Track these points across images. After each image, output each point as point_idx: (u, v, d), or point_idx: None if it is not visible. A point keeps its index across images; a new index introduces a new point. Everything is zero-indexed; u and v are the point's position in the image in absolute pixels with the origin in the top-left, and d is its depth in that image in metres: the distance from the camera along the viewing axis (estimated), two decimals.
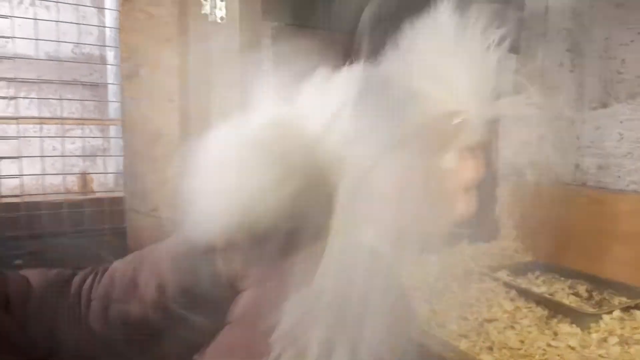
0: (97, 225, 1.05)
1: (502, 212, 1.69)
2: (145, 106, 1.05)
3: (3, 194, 1.03)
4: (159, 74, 1.04)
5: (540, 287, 1.30)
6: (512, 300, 1.22)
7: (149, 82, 1.03)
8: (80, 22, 1.44)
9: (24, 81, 1.53)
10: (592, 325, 1.07)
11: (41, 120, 1.46)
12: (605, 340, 1.02)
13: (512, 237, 1.65)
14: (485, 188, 1.76)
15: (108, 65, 1.63)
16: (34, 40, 1.40)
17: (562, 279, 1.35)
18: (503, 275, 1.35)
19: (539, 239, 1.56)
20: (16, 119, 1.33)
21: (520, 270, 1.40)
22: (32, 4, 1.43)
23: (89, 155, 1.52)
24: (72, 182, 1.30)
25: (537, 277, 1.37)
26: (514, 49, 1.65)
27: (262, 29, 1.21)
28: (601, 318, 1.08)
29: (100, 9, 1.54)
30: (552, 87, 1.57)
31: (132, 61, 1.02)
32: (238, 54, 1.15)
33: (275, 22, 1.24)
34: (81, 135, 1.62)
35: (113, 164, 1.52)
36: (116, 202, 1.06)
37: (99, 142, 1.70)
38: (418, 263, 1.35)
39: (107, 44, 1.59)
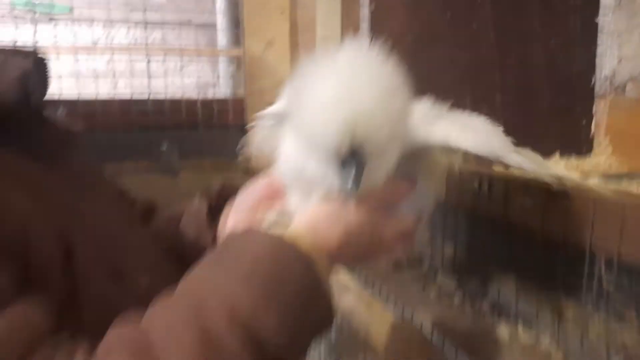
0: (223, 121, 1.26)
1: (598, 129, 1.67)
2: (261, 17, 1.22)
3: (152, 91, 1.27)
4: None
5: (632, 189, 1.30)
6: None
7: None
8: None
9: (148, 22, 1.76)
10: None
11: (166, 50, 1.70)
12: None
13: (608, 153, 1.63)
14: (580, 104, 1.74)
15: (217, 6, 1.83)
16: None
17: None
18: (594, 180, 1.37)
19: (637, 154, 1.52)
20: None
21: (613, 177, 1.40)
22: None
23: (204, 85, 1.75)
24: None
25: (630, 182, 1.37)
26: None
27: None
28: None
29: None
30: None
31: None
32: None
33: None
34: (195, 68, 1.86)
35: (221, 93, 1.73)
36: (238, 101, 1.26)
37: (208, 73, 1.93)
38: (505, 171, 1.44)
39: None
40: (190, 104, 1.24)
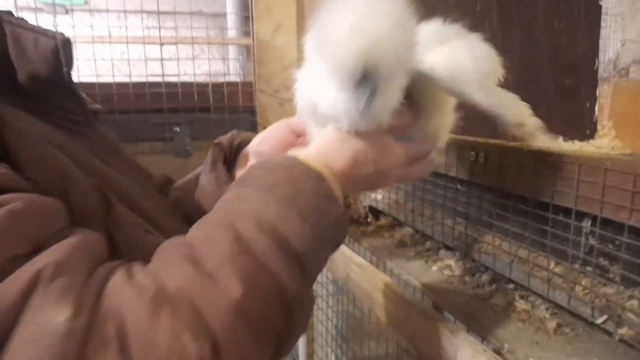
0: (234, 104, 1.31)
1: (602, 112, 1.69)
2: (269, 2, 1.26)
3: (165, 73, 1.32)
4: None
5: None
6: None
7: None
8: None
9: (161, 12, 1.82)
10: None
11: (178, 40, 1.75)
12: None
13: (611, 135, 1.65)
14: (584, 88, 1.75)
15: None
16: None
17: None
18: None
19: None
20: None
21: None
22: None
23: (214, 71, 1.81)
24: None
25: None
26: None
27: None
28: None
29: None
30: None
31: None
32: None
33: None
34: (206, 57, 1.91)
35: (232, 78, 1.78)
36: (247, 85, 1.31)
37: (219, 64, 1.98)
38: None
39: None
40: (202, 87, 1.30)
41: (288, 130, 0.86)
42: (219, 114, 1.26)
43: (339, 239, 0.64)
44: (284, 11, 1.23)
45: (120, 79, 1.50)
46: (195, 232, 0.57)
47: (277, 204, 0.56)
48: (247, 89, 1.27)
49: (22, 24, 0.59)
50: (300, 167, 0.63)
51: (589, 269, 0.66)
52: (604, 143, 1.72)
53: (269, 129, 0.88)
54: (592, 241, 0.67)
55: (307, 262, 0.56)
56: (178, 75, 1.37)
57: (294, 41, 1.25)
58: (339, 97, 0.62)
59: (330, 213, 0.60)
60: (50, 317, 0.37)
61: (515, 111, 0.78)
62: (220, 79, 1.77)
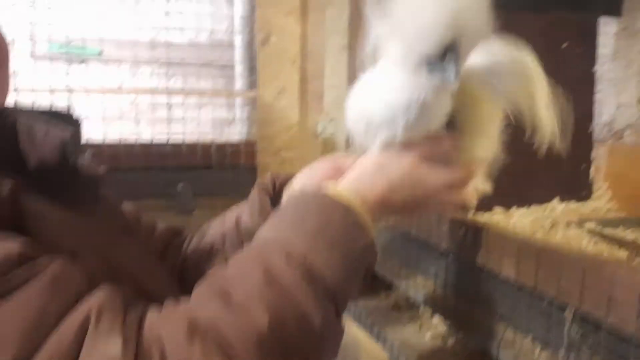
0: (236, 162, 1.35)
1: (598, 174, 1.72)
2: (274, 67, 1.32)
3: (172, 130, 1.37)
4: (285, 40, 1.30)
5: (627, 236, 1.35)
6: (595, 244, 1.29)
7: (277, 47, 1.30)
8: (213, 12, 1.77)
9: (171, 62, 1.90)
10: None
11: (186, 92, 1.82)
12: None
13: (607, 197, 1.68)
14: (580, 150, 1.79)
15: (236, 47, 1.95)
16: (179, 29, 1.75)
17: None
18: (591, 225, 1.41)
19: (635, 199, 1.56)
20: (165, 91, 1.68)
21: (610, 223, 1.45)
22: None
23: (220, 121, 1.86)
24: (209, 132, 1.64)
25: (626, 230, 1.42)
26: (616, 12, 1.66)
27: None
28: None
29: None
30: None
31: (265, 30, 1.30)
32: (347, 24, 1.38)
33: None
34: (213, 104, 1.97)
35: (237, 130, 1.84)
36: (249, 144, 1.35)
37: (225, 112, 2.04)
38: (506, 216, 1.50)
39: (235, 31, 1.91)
40: (206, 146, 1.34)
41: (332, 166, 0.87)
42: (221, 172, 1.30)
43: (368, 266, 0.65)
44: (287, 76, 1.29)
45: (129, 132, 1.55)
46: (230, 267, 0.60)
47: (306, 235, 0.59)
48: (249, 148, 1.31)
49: (34, 116, 0.63)
50: (329, 198, 0.65)
51: (573, 354, 0.67)
52: (600, 204, 1.75)
53: (313, 165, 0.89)
54: (574, 330, 0.68)
55: (337, 291, 0.58)
56: (184, 128, 1.42)
57: (296, 104, 1.30)
58: (414, 80, 0.61)
59: (358, 241, 0.62)
60: (107, 348, 0.46)
61: (548, 124, 0.76)
62: (227, 130, 1.82)
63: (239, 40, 1.99)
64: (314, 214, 0.62)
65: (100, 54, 1.82)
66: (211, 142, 1.35)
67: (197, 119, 1.70)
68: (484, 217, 1.49)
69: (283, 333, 0.53)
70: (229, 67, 2.06)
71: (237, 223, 0.91)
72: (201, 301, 0.56)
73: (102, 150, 1.28)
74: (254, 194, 0.91)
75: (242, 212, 0.93)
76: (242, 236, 0.88)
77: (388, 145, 0.71)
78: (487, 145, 0.77)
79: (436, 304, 0.97)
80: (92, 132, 1.45)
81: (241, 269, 0.58)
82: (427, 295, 0.96)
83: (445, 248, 0.94)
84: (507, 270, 0.75)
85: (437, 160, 0.73)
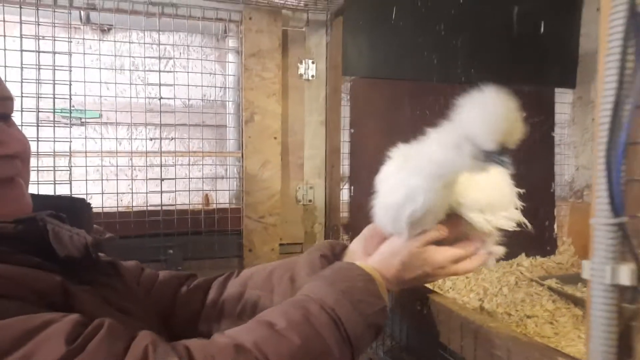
0: (223, 228, 1.47)
1: (561, 230, 1.85)
2: (258, 142, 1.46)
3: (164, 203, 1.49)
4: (267, 118, 1.44)
5: (584, 294, 1.46)
6: (554, 302, 1.41)
7: (260, 125, 1.45)
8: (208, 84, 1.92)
9: (165, 125, 2.02)
10: None
11: (182, 153, 1.95)
12: None
13: (570, 252, 1.80)
14: (543, 208, 1.92)
15: (228, 113, 2.09)
16: (173, 93, 1.89)
17: None
18: (552, 282, 1.53)
19: None
20: (162, 153, 1.80)
21: (570, 279, 1.56)
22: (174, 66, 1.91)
23: (213, 177, 1.99)
24: (199, 199, 1.76)
25: (584, 286, 1.53)
26: (571, 84, 1.84)
27: (343, 83, 1.58)
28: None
29: (225, 75, 2.01)
30: None
31: (250, 110, 1.44)
32: (324, 102, 1.53)
33: (354, 76, 1.61)
34: (209, 164, 2.10)
35: (229, 186, 1.96)
36: (235, 211, 1.47)
37: (220, 170, 2.18)
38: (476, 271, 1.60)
39: (227, 97, 2.07)
40: (195, 213, 1.46)
41: (371, 234, 1.03)
42: (209, 236, 1.41)
43: (379, 326, 0.82)
44: (269, 150, 1.43)
45: (123, 190, 1.67)
46: (275, 308, 0.77)
47: (336, 294, 0.78)
48: (235, 214, 1.43)
49: (59, 224, 0.77)
50: (357, 270, 0.85)
51: None
52: (563, 259, 1.87)
53: (366, 231, 1.03)
54: None
55: (354, 339, 0.76)
56: (175, 191, 1.53)
57: (278, 175, 1.43)
58: (462, 161, 0.77)
59: (374, 305, 0.80)
60: None
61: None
62: (219, 182, 1.94)
63: (230, 107, 2.14)
64: (344, 279, 0.82)
65: (100, 116, 1.97)
66: (201, 210, 1.47)
67: (192, 174, 1.82)
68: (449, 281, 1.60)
69: (309, 356, 0.71)
70: (221, 127, 2.20)
71: (292, 280, 1.02)
72: (248, 329, 0.72)
73: (100, 218, 1.40)
74: (315, 258, 1.02)
75: (298, 271, 1.03)
76: (296, 292, 1.00)
77: (412, 226, 0.88)
78: (487, 220, 0.92)
79: None
80: (90, 189, 1.56)
81: (285, 309, 0.76)
82: (388, 352, 1.06)
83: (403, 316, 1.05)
84: (454, 344, 0.86)
85: (445, 241, 0.90)
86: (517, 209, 0.97)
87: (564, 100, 1.87)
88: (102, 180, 1.57)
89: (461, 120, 0.76)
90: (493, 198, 0.92)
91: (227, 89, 2.10)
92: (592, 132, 1.79)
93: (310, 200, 1.54)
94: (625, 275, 0.52)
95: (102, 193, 1.54)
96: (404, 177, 0.88)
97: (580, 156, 1.82)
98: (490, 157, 0.74)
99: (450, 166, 0.80)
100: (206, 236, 1.45)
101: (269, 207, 1.48)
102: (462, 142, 0.76)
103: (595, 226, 0.53)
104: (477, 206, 0.88)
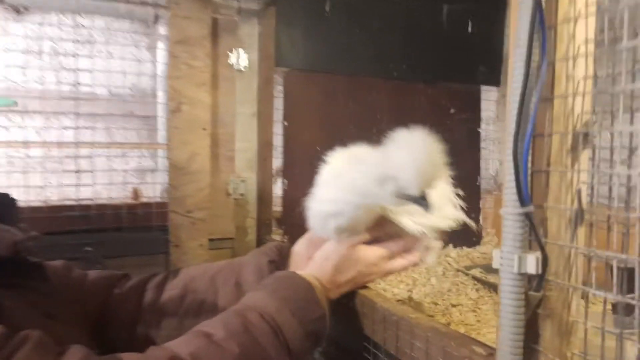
0: (147, 223, 1.39)
1: (485, 222, 1.94)
2: (185, 133, 1.40)
3: (81, 197, 1.39)
4: (196, 109, 1.39)
5: None
6: (477, 290, 1.47)
7: (188, 116, 1.38)
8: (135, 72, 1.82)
9: (93, 114, 1.90)
10: None
11: (108, 145, 1.84)
12: None
13: (494, 243, 1.89)
14: (469, 200, 2.00)
15: (158, 102, 2.00)
16: (101, 82, 1.77)
17: None
18: (476, 272, 1.60)
19: None
20: (89, 143, 1.69)
21: (493, 269, 1.63)
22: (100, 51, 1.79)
23: (142, 169, 1.89)
24: (128, 193, 1.66)
25: None
26: (495, 82, 1.93)
27: (276, 74, 1.55)
28: None
29: (154, 62, 1.91)
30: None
31: (176, 100, 1.38)
32: (256, 93, 1.50)
33: (288, 68, 1.58)
34: (137, 155, 2.00)
35: (160, 179, 1.88)
36: (161, 206, 1.40)
37: (149, 162, 2.08)
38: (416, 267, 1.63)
39: (157, 86, 1.97)
40: (116, 208, 1.37)
41: (310, 242, 1.03)
42: (132, 233, 1.33)
43: (319, 333, 0.82)
44: (198, 142, 1.37)
45: (37, 184, 1.54)
46: (215, 318, 0.76)
47: (277, 303, 0.78)
48: (160, 209, 1.36)
49: None
50: (297, 279, 0.85)
51: None
52: (488, 249, 1.96)
53: (308, 234, 1.03)
54: None
55: (293, 346, 0.76)
56: (93, 196, 1.43)
57: (207, 168, 1.38)
58: (381, 196, 0.80)
59: (314, 313, 0.81)
60: None
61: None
62: (151, 176, 1.85)
63: (161, 96, 2.04)
64: (285, 287, 0.83)
65: (15, 104, 1.81)
66: (122, 205, 1.39)
67: (120, 166, 1.72)
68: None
69: None
70: (152, 117, 2.10)
71: (238, 285, 0.99)
72: (185, 340, 0.70)
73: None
74: (262, 264, 1.01)
75: (245, 276, 1.01)
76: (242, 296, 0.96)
77: (340, 235, 0.90)
78: (425, 220, 0.88)
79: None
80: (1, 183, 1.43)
81: (224, 318, 0.75)
82: (320, 351, 1.05)
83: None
84: (377, 336, 0.86)
85: (377, 241, 0.92)
86: (456, 207, 0.99)
87: (489, 97, 1.95)
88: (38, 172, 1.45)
89: (388, 158, 0.79)
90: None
91: (157, 78, 2.01)
92: None
93: (241, 194, 1.50)
94: (531, 263, 0.53)
95: (26, 186, 1.42)
96: (332, 191, 0.90)
97: (504, 151, 1.91)
98: (411, 198, 0.78)
99: (372, 199, 0.83)
100: (129, 232, 1.37)
101: (198, 201, 1.42)
102: (386, 179, 0.79)
103: (505, 216, 0.54)
104: (405, 210, 0.90)
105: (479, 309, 1.38)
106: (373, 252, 0.92)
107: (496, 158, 1.93)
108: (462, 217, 0.96)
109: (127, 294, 0.97)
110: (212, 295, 0.98)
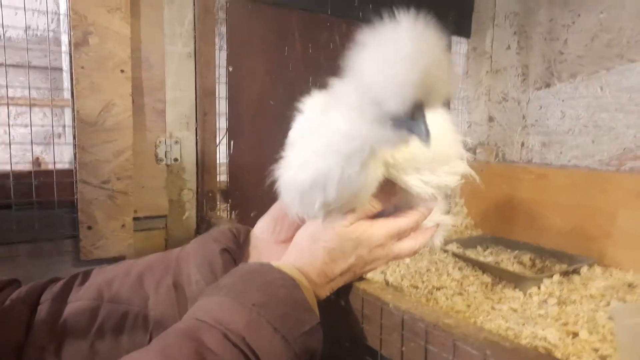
0: (48, 198, 1.03)
1: (454, 191, 1.76)
2: (96, 76, 1.03)
3: None
4: (108, 42, 1.02)
5: (487, 258, 1.36)
6: (460, 269, 1.28)
7: (99, 51, 1.02)
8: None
9: None
10: (534, 289, 1.13)
11: None
12: (545, 301, 1.08)
13: (464, 214, 1.72)
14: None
15: (63, 50, 1.58)
16: None
17: (509, 250, 1.42)
18: (453, 247, 1.41)
19: (488, 215, 1.63)
20: None
21: (469, 243, 1.46)
22: None
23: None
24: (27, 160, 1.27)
25: (485, 249, 1.44)
26: (466, 33, 1.72)
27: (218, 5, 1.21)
28: (542, 282, 1.15)
29: None
30: (500, 69, 1.64)
31: (81, 29, 1.00)
32: (192, 25, 1.15)
33: None
34: (38, 117, 1.58)
35: (66, 146, 1.48)
36: (67, 174, 1.04)
37: (55, 123, 1.66)
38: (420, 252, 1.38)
39: (61, 28, 1.54)
40: (3, 178, 0.99)
41: (278, 216, 0.75)
42: (24, 211, 0.96)
43: (313, 353, 0.56)
44: (114, 87, 1.01)
45: None
46: (151, 345, 0.51)
47: (247, 314, 0.52)
48: (64, 179, 1.00)
49: None
50: (274, 274, 0.59)
51: None
52: (458, 221, 1.81)
53: (273, 210, 0.76)
54: None
55: None
56: None
57: (129, 123, 1.03)
58: (373, 132, 0.55)
59: (304, 323, 0.55)
60: None
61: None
62: (56, 141, 1.45)
63: (65, 41, 1.61)
64: (256, 287, 0.56)
65: None
66: (7, 173, 1.00)
67: (15, 131, 1.31)
68: None
69: None
70: (57, 69, 1.66)
71: (178, 287, 0.68)
72: None
73: None
74: (212, 253, 0.69)
75: (186, 272, 0.69)
76: (184, 305, 0.67)
77: (325, 210, 0.64)
78: (431, 180, 0.67)
79: None
80: None
81: (165, 343, 0.49)
82: None
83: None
84: (388, 349, 0.63)
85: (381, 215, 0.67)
86: (462, 159, 0.76)
87: (458, 50, 1.74)
88: None
89: (362, 70, 0.54)
90: (432, 150, 0.67)
91: (61, 17, 1.57)
92: (486, 86, 1.69)
93: (176, 159, 1.17)
94: None
95: None
96: (310, 153, 0.63)
97: (473, 112, 1.72)
98: (399, 122, 0.53)
99: (361, 143, 0.57)
100: (20, 210, 1.01)
101: (117, 167, 1.08)
102: (364, 103, 0.55)
103: None
104: (412, 164, 0.65)
105: (465, 291, 1.18)
106: (379, 230, 0.66)
107: (464, 120, 1.74)
108: (468, 169, 0.76)
109: (14, 307, 0.66)
110: (139, 305, 0.66)
